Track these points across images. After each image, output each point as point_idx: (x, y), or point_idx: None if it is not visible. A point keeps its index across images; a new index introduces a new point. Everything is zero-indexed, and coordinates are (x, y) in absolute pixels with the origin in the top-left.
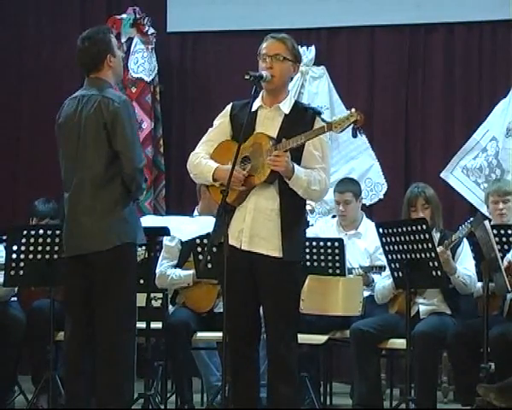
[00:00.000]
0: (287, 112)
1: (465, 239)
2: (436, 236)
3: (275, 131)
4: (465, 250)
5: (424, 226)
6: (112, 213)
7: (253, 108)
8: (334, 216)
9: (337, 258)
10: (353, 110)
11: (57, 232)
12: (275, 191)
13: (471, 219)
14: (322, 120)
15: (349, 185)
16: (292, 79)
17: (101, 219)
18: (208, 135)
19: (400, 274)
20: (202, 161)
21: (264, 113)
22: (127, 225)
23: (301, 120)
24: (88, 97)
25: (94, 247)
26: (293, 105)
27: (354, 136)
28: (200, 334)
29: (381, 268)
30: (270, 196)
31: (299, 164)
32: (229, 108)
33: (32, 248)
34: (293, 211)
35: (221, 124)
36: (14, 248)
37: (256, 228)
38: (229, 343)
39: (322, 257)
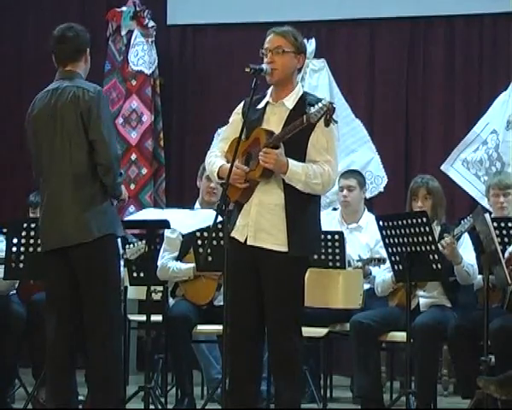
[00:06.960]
0: (291, 107)
1: None
2: (437, 229)
3: (280, 126)
4: (466, 242)
5: (424, 219)
6: (92, 206)
7: (262, 104)
8: (334, 209)
9: (337, 251)
10: (324, 101)
11: None
12: (279, 186)
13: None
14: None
15: (354, 174)
16: (300, 70)
17: (83, 211)
18: (224, 133)
19: (400, 267)
20: (212, 160)
21: (271, 108)
22: (106, 217)
23: (303, 113)
24: (62, 89)
25: (76, 239)
26: (299, 99)
27: (326, 125)
28: (200, 327)
29: (379, 260)
30: (274, 191)
31: (303, 158)
32: (241, 104)
33: (32, 241)
34: (299, 205)
35: (234, 121)
36: (15, 241)
37: (261, 223)
38: (231, 337)
39: (322, 250)
